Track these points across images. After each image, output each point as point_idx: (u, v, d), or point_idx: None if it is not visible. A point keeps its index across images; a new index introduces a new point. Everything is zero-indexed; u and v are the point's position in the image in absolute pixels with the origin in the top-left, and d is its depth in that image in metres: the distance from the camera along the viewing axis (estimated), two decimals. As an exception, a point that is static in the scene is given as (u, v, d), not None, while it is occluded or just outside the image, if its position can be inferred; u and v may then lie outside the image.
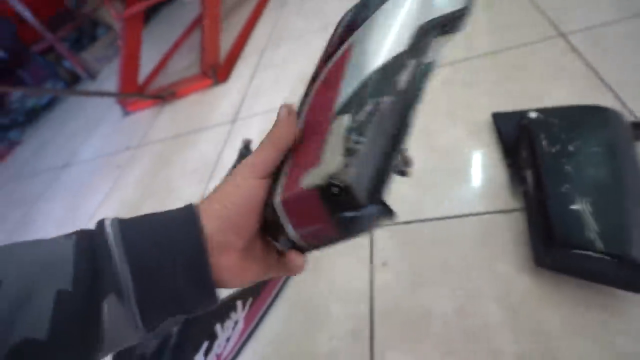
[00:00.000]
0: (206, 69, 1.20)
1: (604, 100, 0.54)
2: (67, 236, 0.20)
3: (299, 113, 0.26)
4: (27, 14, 1.84)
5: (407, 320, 0.46)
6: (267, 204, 0.23)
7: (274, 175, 0.23)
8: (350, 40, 0.26)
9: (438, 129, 0.64)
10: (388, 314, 0.47)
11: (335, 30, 0.29)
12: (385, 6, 0.26)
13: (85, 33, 2.21)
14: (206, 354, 0.45)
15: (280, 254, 0.25)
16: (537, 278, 0.43)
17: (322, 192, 0.21)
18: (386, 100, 0.23)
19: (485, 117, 0.61)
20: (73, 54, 2.06)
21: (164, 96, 1.31)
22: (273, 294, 0.53)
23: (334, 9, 1.22)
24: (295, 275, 0.26)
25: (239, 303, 0.47)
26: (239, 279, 0.23)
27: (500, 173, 0.54)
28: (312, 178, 0.21)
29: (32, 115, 2.13)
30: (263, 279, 0.25)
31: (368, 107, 0.22)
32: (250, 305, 0.49)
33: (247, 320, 0.50)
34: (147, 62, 1.54)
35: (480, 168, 0.56)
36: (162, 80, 1.48)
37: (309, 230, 0.23)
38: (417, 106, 0.24)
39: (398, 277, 0.49)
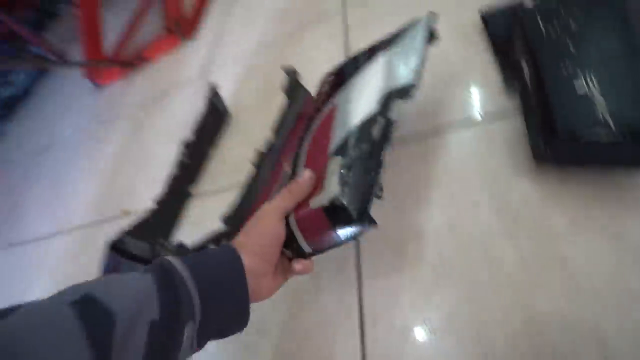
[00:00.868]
0: (170, 24, 1.10)
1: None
2: (145, 272, 0.25)
3: (298, 153, 0.40)
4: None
5: (397, 241, 0.42)
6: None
7: None
8: (335, 100, 0.40)
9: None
10: (376, 239, 0.43)
11: (321, 88, 0.46)
12: (360, 75, 0.40)
13: (45, 11, 2.06)
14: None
15: (291, 260, 0.34)
16: (538, 179, 0.38)
17: (327, 210, 0.30)
18: (364, 147, 0.33)
19: (473, 17, 0.53)
20: (36, 35, 1.93)
21: (133, 62, 1.23)
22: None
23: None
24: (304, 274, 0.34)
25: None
26: (272, 290, 0.33)
27: (493, 76, 0.48)
28: (318, 201, 0.31)
29: (10, 106, 2.04)
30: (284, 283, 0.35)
31: (353, 152, 0.32)
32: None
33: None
34: (114, 32, 1.43)
35: (470, 74, 0.50)
36: (131, 49, 1.38)
37: (315, 238, 0.32)
38: (386, 151, 0.33)
39: (386, 199, 0.45)
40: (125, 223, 0.59)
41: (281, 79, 0.57)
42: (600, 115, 0.31)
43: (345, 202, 0.30)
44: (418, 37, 0.39)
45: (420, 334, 0.36)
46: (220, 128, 0.73)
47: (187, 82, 0.99)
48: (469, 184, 0.41)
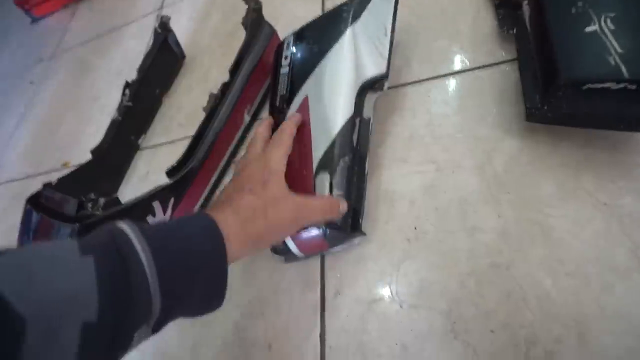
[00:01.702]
0: (118, -56, 0.93)
1: None
2: (83, 253, 0.19)
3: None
4: None
5: (367, 204, 0.37)
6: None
7: None
8: (303, 90, 0.37)
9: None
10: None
11: (277, 60, 0.42)
12: (327, 58, 0.36)
13: None
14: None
15: None
16: (527, 140, 0.34)
17: (321, 230, 0.32)
18: (347, 158, 0.33)
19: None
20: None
21: (75, -10, 1.05)
22: (203, 195, 0.43)
23: None
24: None
25: (156, 204, 0.37)
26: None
27: (487, 21, 0.42)
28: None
29: None
30: None
31: (339, 167, 0.32)
32: (174, 207, 0.39)
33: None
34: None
35: (460, 17, 0.43)
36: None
37: (308, 249, 0.35)
38: (366, 159, 0.35)
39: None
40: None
41: (242, 17, 0.48)
42: (612, 59, 0.26)
43: (339, 223, 0.32)
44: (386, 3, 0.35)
45: (386, 306, 0.32)
46: (173, 70, 0.63)
47: (139, 15, 0.86)
48: (451, 142, 0.36)
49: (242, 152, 0.50)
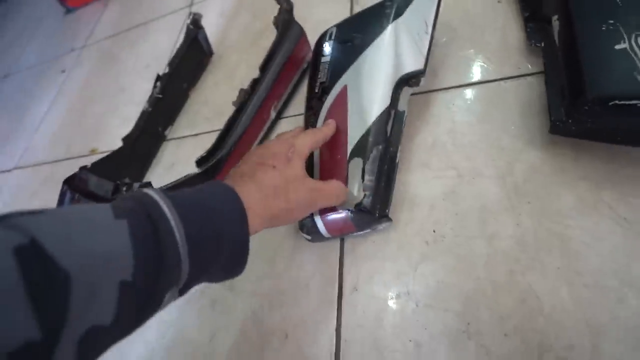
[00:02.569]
0: (153, -59, 0.96)
1: None
2: (116, 216, 0.19)
3: (313, 111, 0.39)
4: None
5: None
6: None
7: None
8: (343, 79, 0.38)
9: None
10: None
11: (318, 49, 0.43)
12: (368, 50, 0.38)
13: None
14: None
15: None
16: (549, 151, 0.35)
17: (351, 213, 0.34)
18: (381, 147, 0.35)
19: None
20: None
21: (109, -16, 1.08)
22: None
23: None
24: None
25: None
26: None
27: (515, 34, 0.42)
28: (345, 205, 0.34)
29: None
30: None
31: (372, 154, 0.34)
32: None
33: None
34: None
35: (489, 30, 0.44)
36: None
37: (336, 230, 0.36)
38: (398, 149, 0.37)
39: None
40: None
41: (274, 16, 0.50)
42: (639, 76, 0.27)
43: (369, 207, 0.33)
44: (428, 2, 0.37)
45: (401, 305, 0.33)
46: (201, 66, 0.65)
47: (169, 11, 0.88)
48: (473, 151, 0.37)
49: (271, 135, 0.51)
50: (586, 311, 0.28)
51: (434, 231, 0.35)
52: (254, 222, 0.26)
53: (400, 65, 0.36)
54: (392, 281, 0.35)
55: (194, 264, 0.22)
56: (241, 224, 0.25)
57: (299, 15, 0.51)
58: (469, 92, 0.41)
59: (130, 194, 0.23)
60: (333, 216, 0.34)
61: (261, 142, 0.49)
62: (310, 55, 0.52)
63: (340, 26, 0.43)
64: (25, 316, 0.15)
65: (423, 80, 0.37)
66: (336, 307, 0.36)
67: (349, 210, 0.34)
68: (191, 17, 0.58)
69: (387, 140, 0.35)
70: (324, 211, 0.34)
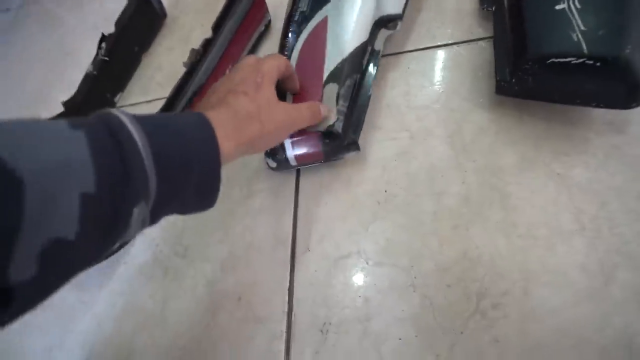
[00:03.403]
0: None
1: None
2: (72, 127, 0.18)
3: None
4: None
5: (340, 167, 0.38)
6: None
7: None
8: (324, 10, 0.38)
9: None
10: (314, 165, 0.39)
11: None
12: None
13: None
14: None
15: None
16: (495, 112, 0.36)
17: (322, 135, 0.34)
18: (356, 77, 0.36)
19: None
20: None
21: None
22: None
23: None
24: None
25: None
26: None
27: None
28: (315, 126, 0.34)
29: None
30: None
31: (348, 82, 0.35)
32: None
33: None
34: None
35: (444, -6, 0.44)
36: None
37: (303, 156, 0.36)
38: (372, 81, 0.37)
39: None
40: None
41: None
42: (575, 35, 0.28)
43: (340, 131, 0.34)
44: None
45: (352, 263, 0.34)
46: (154, 28, 0.61)
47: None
48: (426, 112, 0.38)
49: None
50: (519, 259, 0.30)
51: (385, 191, 0.36)
52: (227, 146, 0.24)
53: (381, 7, 0.38)
54: (344, 241, 0.35)
55: (162, 178, 0.20)
56: (212, 146, 0.23)
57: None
58: (424, 56, 0.41)
59: (91, 114, 0.20)
60: (302, 139, 0.35)
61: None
62: (267, 18, 0.50)
63: None
64: None
65: (399, 25, 0.38)
66: (289, 268, 0.36)
67: (320, 132, 0.34)
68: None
69: (362, 72, 0.37)
70: (293, 134, 0.34)
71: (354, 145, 0.35)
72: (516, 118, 0.35)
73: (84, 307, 0.43)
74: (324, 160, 0.36)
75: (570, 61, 0.28)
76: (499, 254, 0.30)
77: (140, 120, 0.20)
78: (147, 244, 0.43)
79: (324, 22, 0.38)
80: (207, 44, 0.44)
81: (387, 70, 0.42)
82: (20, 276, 0.15)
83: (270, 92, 0.29)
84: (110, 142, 0.18)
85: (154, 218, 0.22)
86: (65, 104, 0.50)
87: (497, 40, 0.36)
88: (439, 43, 0.41)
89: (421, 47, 0.42)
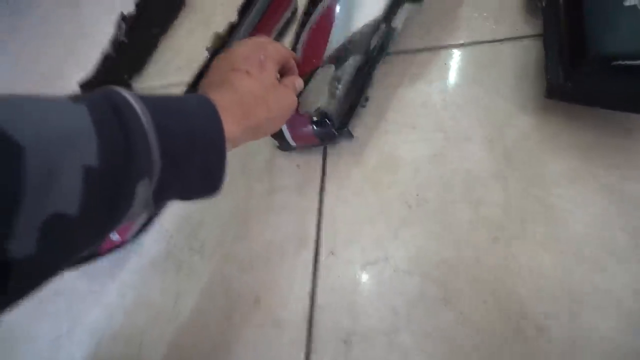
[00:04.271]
0: None
1: None
2: (75, 101, 0.17)
3: (296, 44, 0.37)
4: None
5: (371, 168, 0.36)
6: None
7: None
8: None
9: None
10: (347, 162, 0.37)
11: None
12: None
13: None
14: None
15: None
16: (541, 118, 0.33)
17: (311, 118, 0.33)
18: (359, 58, 0.33)
19: None
20: None
21: None
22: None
23: None
24: None
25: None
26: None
27: (514, -8, 0.40)
28: (304, 108, 0.33)
29: None
30: None
31: (347, 63, 0.32)
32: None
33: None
34: None
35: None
36: None
37: (299, 136, 0.35)
38: (379, 64, 0.35)
39: (368, 117, 0.38)
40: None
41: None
42: (649, 39, 0.25)
43: (330, 113, 0.32)
44: None
45: (379, 270, 0.32)
46: (174, 9, 0.59)
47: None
48: (463, 113, 0.35)
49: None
50: (566, 279, 0.27)
51: (417, 195, 0.33)
52: (233, 130, 0.23)
53: None
54: (371, 246, 0.33)
55: (165, 155, 0.19)
56: (214, 122, 0.22)
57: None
58: (463, 52, 0.38)
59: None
60: (295, 118, 0.33)
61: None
62: (295, 5, 0.47)
63: None
64: None
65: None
66: (311, 272, 0.34)
67: (310, 115, 0.33)
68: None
69: (369, 53, 0.33)
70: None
71: (346, 132, 0.34)
72: (563, 124, 0.32)
73: (94, 297, 0.42)
74: (320, 144, 0.36)
75: (638, 64, 0.25)
76: (542, 271, 0.28)
77: (143, 97, 0.20)
78: (161, 236, 0.42)
79: (334, 3, 0.35)
80: (232, 28, 0.42)
81: (423, 65, 0.39)
82: (19, 251, 0.14)
83: (274, 73, 0.28)
84: (113, 116, 0.18)
85: (157, 200, 0.21)
86: (82, 86, 0.48)
87: (548, 38, 0.33)
88: (480, 39, 0.38)
89: (460, 42, 0.39)
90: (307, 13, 0.38)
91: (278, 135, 0.36)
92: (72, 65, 0.68)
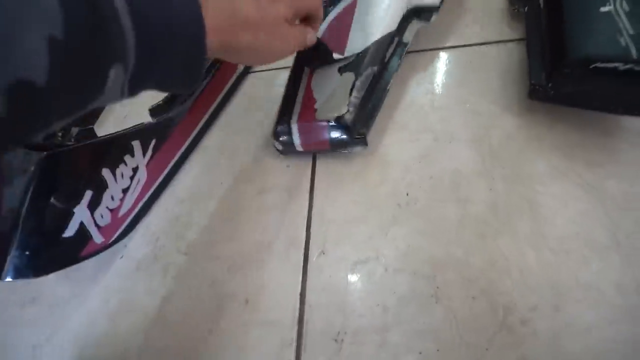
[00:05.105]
0: None
1: None
2: None
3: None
4: None
5: (360, 167, 0.36)
6: (283, 121, 0.35)
7: (286, 100, 0.37)
8: None
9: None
10: (336, 161, 0.37)
11: None
12: None
13: None
14: (92, 206, 0.34)
15: None
16: (525, 118, 0.34)
17: (330, 125, 0.34)
18: (376, 69, 0.34)
19: None
20: None
21: None
22: (189, 139, 0.40)
23: None
24: None
25: (136, 144, 0.34)
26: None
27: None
28: (324, 114, 0.34)
29: None
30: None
31: (367, 72, 0.34)
32: (155, 149, 0.36)
33: (153, 169, 0.38)
34: None
35: (472, -8, 0.43)
36: None
37: (311, 143, 0.36)
38: (393, 75, 0.35)
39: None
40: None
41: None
42: (623, 40, 0.26)
43: (348, 123, 0.33)
44: None
45: (370, 269, 0.32)
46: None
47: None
48: (450, 114, 0.36)
49: (234, 98, 0.47)
50: (550, 274, 0.28)
51: (407, 194, 0.34)
52: (209, 41, 0.22)
53: None
54: (361, 245, 0.33)
55: (141, 41, 0.18)
56: (197, 21, 0.21)
57: None
58: (449, 55, 0.39)
59: None
60: (310, 125, 0.34)
61: (229, 91, 0.44)
62: None
63: None
64: None
65: (434, 17, 0.36)
66: (301, 271, 0.34)
67: (328, 121, 0.33)
68: None
69: (384, 64, 0.35)
70: (302, 118, 0.34)
71: (362, 140, 0.34)
72: (547, 125, 0.33)
73: (76, 302, 0.40)
74: (330, 150, 0.36)
75: (616, 67, 0.26)
76: (528, 267, 0.29)
77: None
78: (146, 237, 0.41)
79: (352, 5, 0.36)
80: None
81: (411, 68, 0.40)
82: None
83: (285, 12, 0.26)
84: None
85: (133, 89, 0.20)
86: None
87: (531, 42, 0.34)
88: (467, 42, 0.39)
89: (448, 45, 0.40)
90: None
91: (282, 139, 0.36)
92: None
